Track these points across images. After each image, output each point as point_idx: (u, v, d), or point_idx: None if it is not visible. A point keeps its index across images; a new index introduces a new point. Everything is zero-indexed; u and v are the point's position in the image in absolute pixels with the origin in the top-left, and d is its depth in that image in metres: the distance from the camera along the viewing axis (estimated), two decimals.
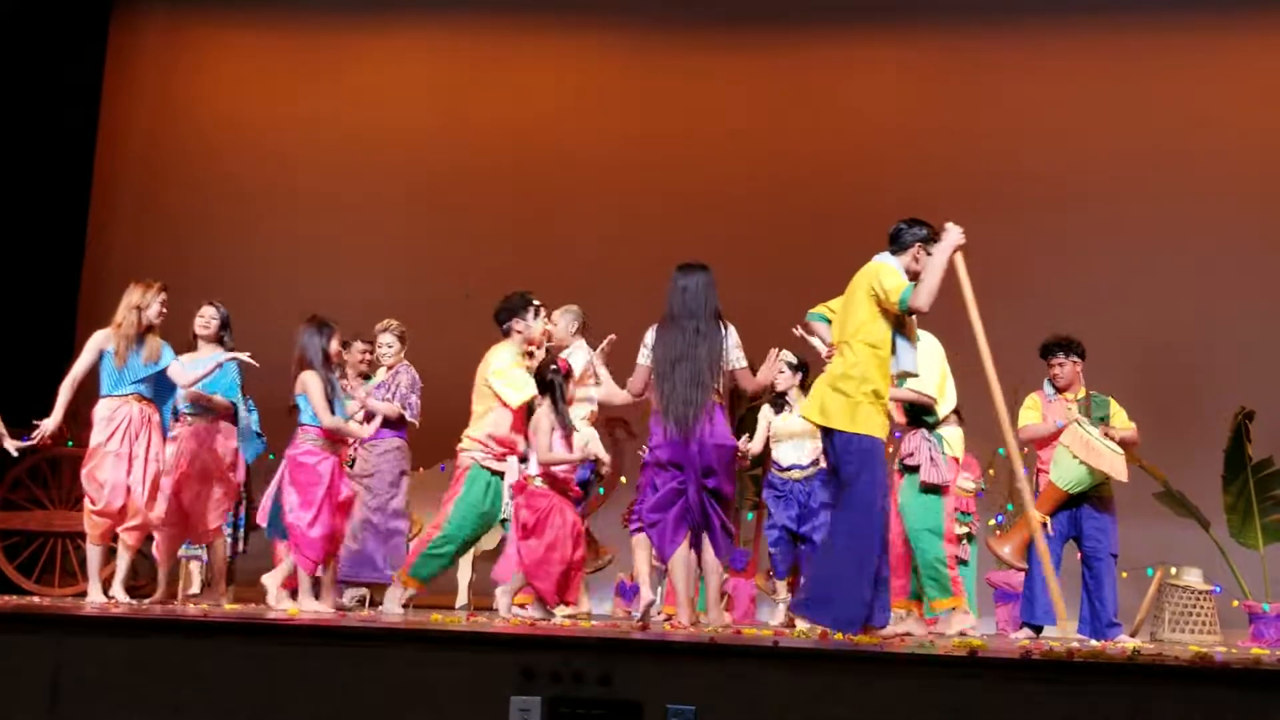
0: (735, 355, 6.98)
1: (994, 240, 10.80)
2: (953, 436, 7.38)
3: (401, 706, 4.81)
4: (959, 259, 6.24)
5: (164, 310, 7.54)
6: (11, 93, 10.74)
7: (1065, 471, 7.56)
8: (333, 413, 7.05)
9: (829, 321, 6.66)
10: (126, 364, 7.36)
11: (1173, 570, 9.11)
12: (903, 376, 6.44)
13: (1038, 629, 7.58)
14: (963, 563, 8.36)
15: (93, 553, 7.48)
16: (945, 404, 7.36)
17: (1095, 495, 7.64)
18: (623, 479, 7.94)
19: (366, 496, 8.01)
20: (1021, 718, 4.50)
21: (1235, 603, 9.38)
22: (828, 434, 6.29)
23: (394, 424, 8.19)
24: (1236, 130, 10.72)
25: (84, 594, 7.93)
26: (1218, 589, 9.05)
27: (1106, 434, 7.54)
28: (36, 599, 8.06)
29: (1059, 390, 7.87)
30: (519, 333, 7.69)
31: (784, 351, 7.61)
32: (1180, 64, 10.93)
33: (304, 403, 7.13)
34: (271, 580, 7.16)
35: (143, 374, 7.40)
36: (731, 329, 7.05)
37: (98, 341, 7.42)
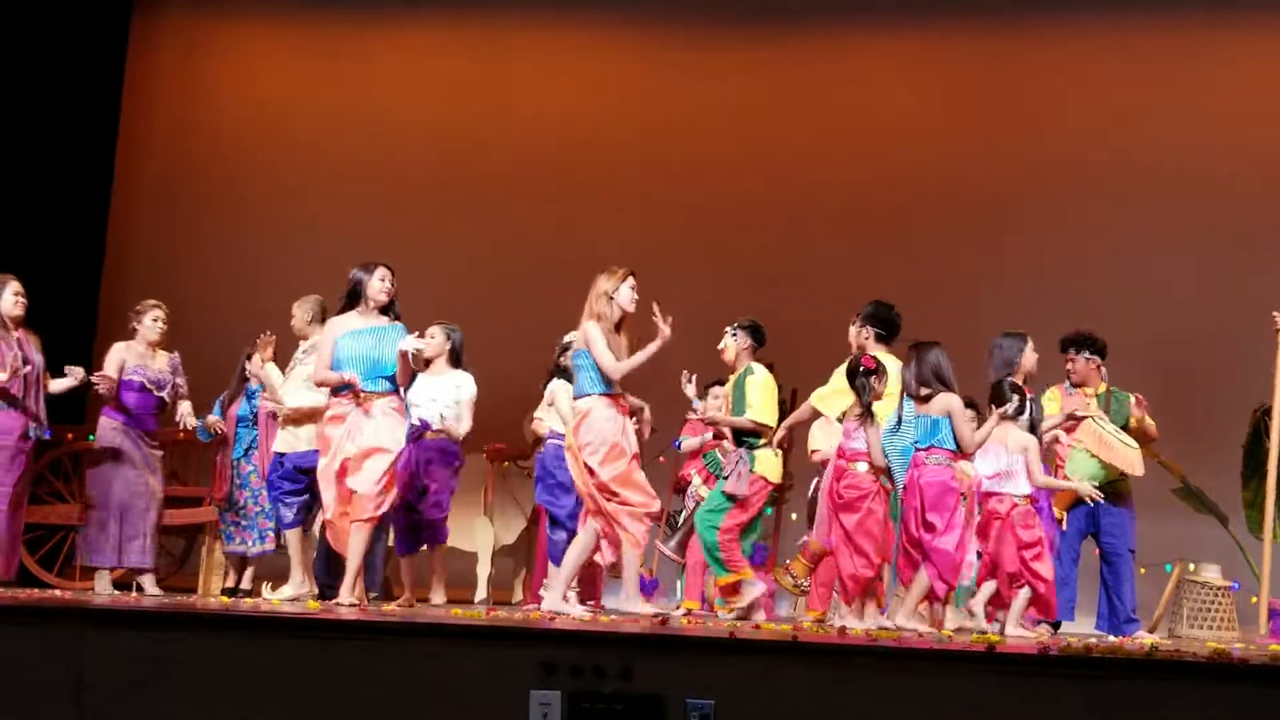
0: None
1: (1011, 235, 10.82)
2: (764, 457, 7.57)
3: (423, 700, 4.84)
4: None
5: (635, 296, 6.92)
6: (33, 91, 10.77)
7: (1079, 467, 7.61)
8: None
9: None
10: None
11: (1191, 566, 9.09)
12: None
13: (1056, 625, 7.59)
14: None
15: (633, 556, 6.85)
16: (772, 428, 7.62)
17: (1112, 491, 7.66)
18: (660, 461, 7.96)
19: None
20: (1039, 713, 4.51)
21: (1254, 599, 9.36)
22: None
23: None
24: (1256, 128, 10.67)
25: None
26: (1236, 585, 9.03)
27: (1139, 401, 7.72)
28: (58, 592, 8.11)
29: (1075, 385, 7.93)
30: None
31: None
32: (1203, 60, 10.89)
33: (943, 424, 6.68)
34: (907, 613, 6.79)
35: None
36: None
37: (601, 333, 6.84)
